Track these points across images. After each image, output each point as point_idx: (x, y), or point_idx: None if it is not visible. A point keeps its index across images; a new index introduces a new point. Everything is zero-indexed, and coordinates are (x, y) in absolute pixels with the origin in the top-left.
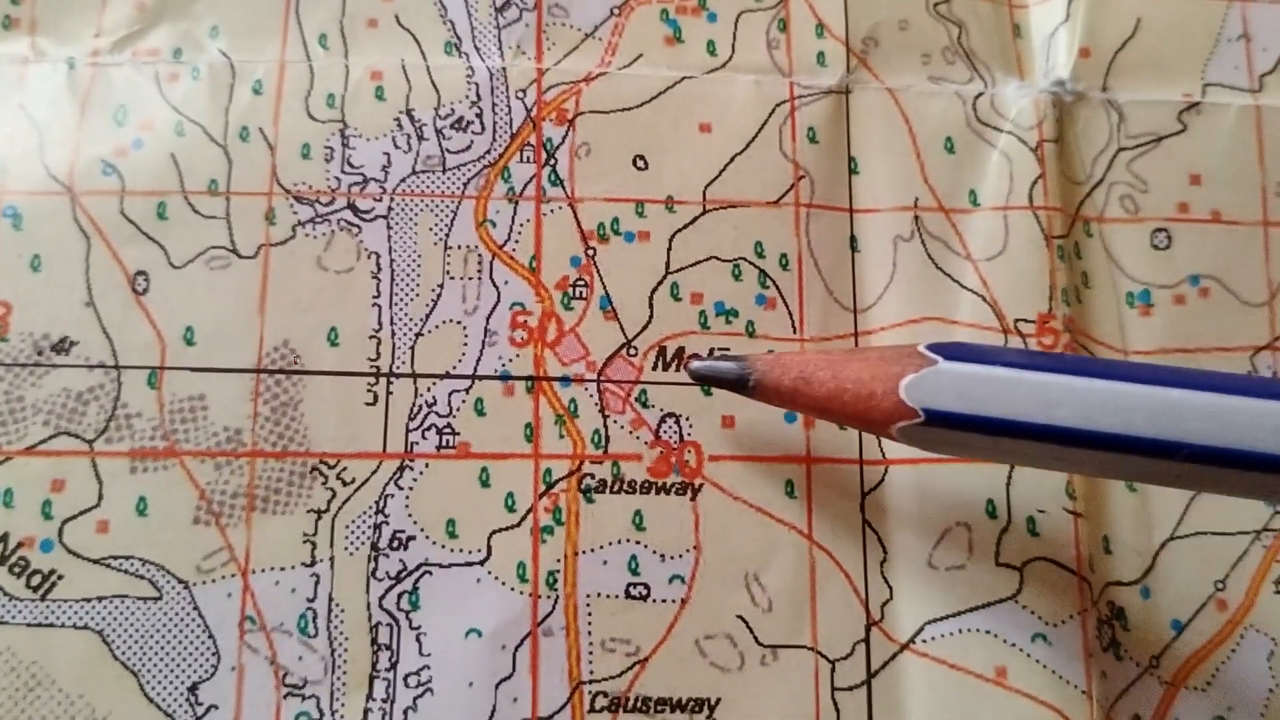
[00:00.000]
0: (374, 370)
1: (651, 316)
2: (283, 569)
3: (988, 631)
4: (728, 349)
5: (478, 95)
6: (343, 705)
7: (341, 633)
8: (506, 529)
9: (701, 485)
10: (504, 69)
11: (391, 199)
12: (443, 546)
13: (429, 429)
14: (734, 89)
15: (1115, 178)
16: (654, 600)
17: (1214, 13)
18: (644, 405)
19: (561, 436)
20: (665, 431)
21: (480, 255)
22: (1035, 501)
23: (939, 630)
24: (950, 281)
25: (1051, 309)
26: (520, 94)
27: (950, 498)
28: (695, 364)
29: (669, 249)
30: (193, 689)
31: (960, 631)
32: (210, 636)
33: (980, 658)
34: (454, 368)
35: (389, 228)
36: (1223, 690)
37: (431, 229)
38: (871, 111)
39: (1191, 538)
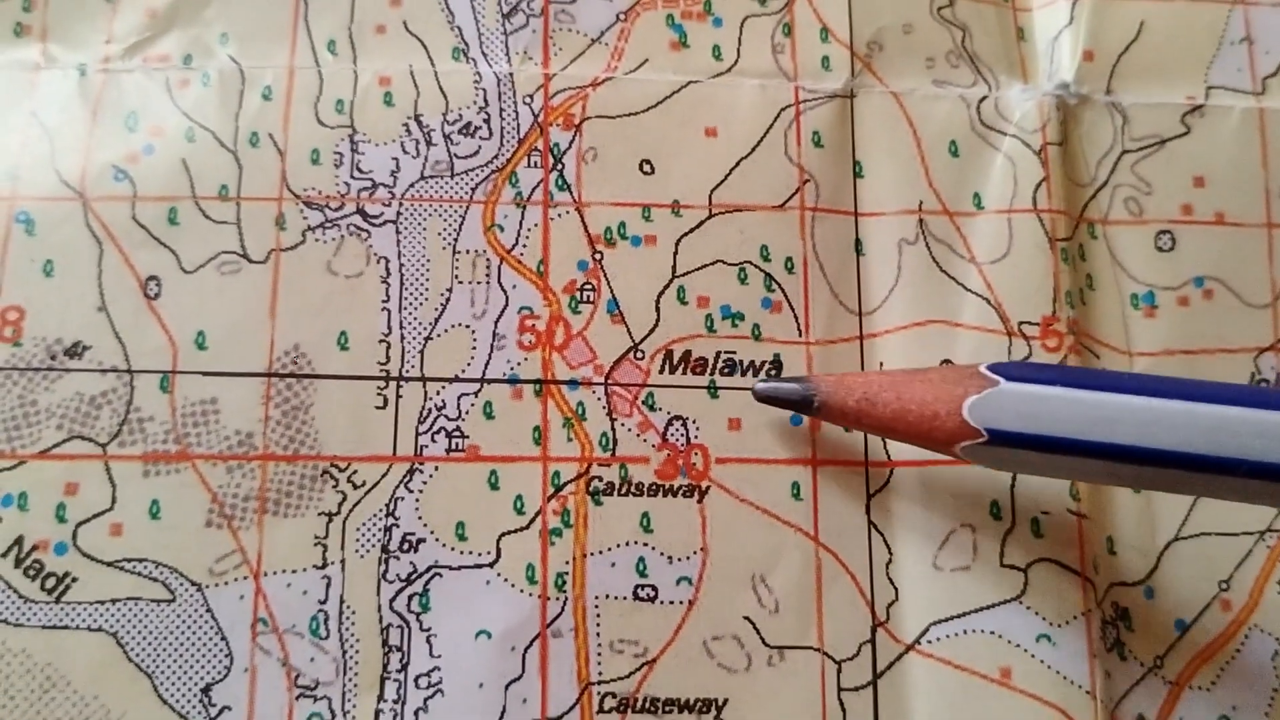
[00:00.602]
0: (384, 374)
1: (658, 320)
2: (294, 571)
3: (992, 632)
4: (734, 353)
5: (485, 101)
6: (354, 706)
7: (353, 634)
8: (515, 531)
9: (709, 487)
10: (511, 74)
11: (400, 204)
12: (452, 549)
13: (438, 432)
14: (739, 93)
15: (1119, 180)
16: (662, 602)
17: (1217, 16)
18: (651, 408)
19: (569, 439)
20: (672, 434)
21: (488, 260)
22: (1039, 503)
23: (944, 631)
24: (955, 284)
25: (1056, 311)
26: (527, 99)
27: (955, 499)
28: (760, 385)
29: (675, 253)
30: (206, 690)
31: (965, 632)
32: (223, 638)
33: (985, 658)
34: (463, 371)
35: (398, 232)
36: (1227, 690)
37: (440, 234)
38: (876, 115)
39: (1195, 538)
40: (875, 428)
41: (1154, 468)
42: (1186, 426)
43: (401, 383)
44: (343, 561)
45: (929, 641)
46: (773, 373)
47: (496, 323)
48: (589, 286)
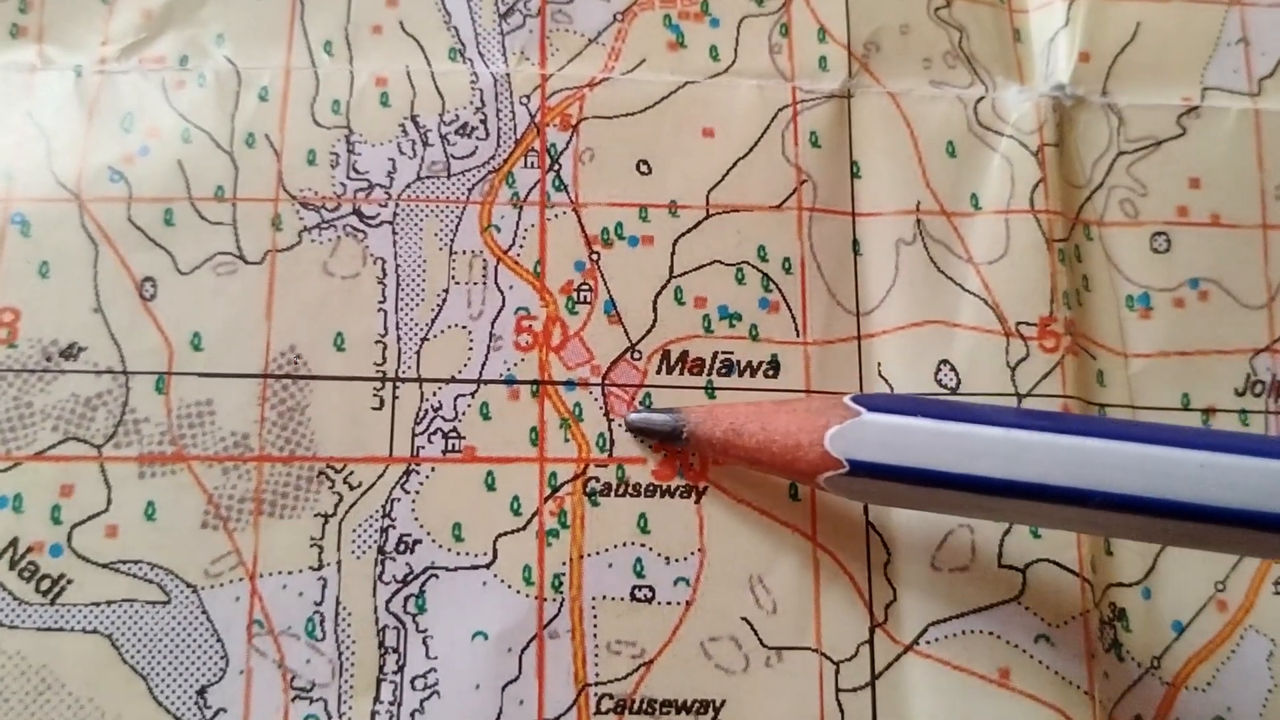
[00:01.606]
0: (380, 375)
1: (655, 320)
2: (290, 573)
3: (991, 633)
4: (731, 353)
5: (482, 101)
6: (350, 708)
7: (349, 636)
8: (512, 532)
9: (706, 488)
10: (508, 75)
11: (397, 205)
12: (449, 550)
13: (435, 433)
14: (736, 94)
15: (1115, 181)
16: (659, 603)
17: (1213, 17)
18: (649, 410)
19: (566, 440)
20: None
21: (485, 260)
22: None
23: (942, 631)
24: (952, 284)
25: (1053, 312)
26: (524, 99)
27: None
28: (632, 416)
29: (672, 253)
30: (201, 692)
31: (963, 633)
32: (219, 640)
33: (983, 659)
34: (459, 372)
35: (394, 233)
36: (1223, 691)
37: (437, 234)
38: (873, 115)
39: None
40: (742, 458)
41: (1011, 499)
42: (1044, 459)
43: (398, 384)
44: (339, 563)
45: (927, 642)
46: (770, 373)
47: (493, 323)
48: (586, 287)
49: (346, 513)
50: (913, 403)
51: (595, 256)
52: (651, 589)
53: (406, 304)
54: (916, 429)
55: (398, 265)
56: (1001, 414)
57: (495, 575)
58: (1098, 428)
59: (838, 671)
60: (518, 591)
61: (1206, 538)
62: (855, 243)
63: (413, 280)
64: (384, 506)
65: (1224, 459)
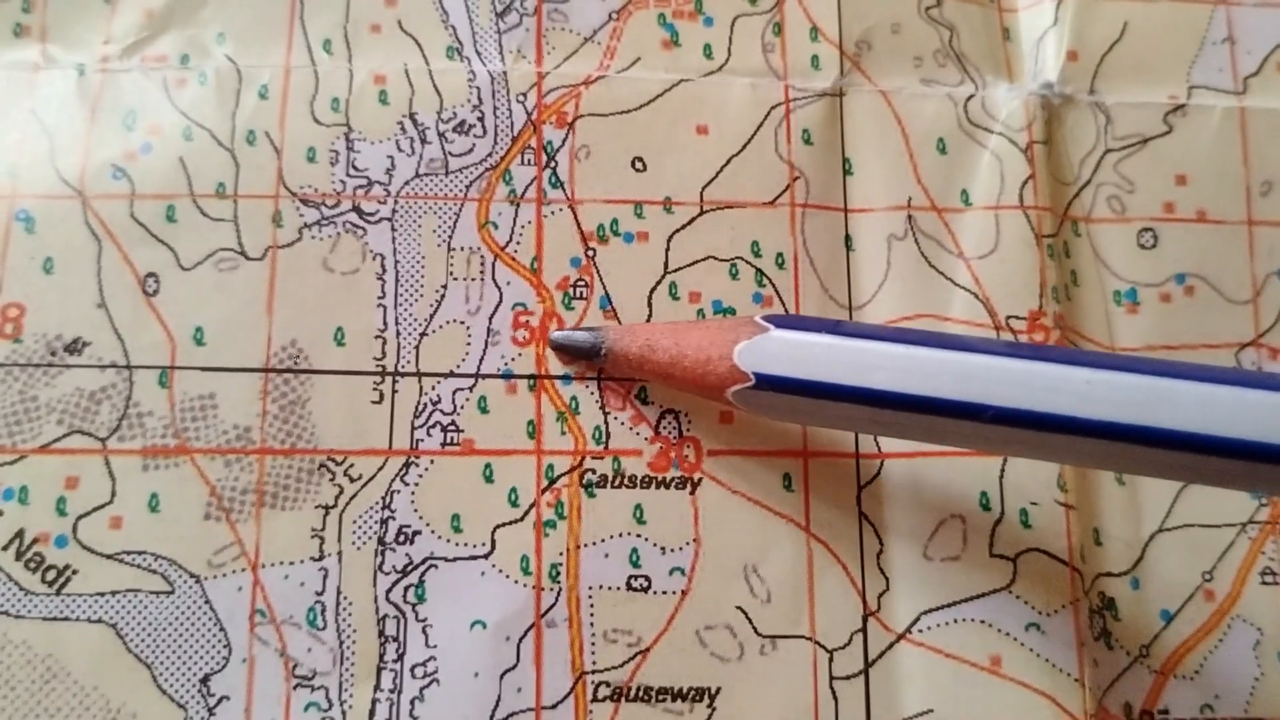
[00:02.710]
0: (380, 369)
1: (650, 315)
2: (292, 563)
3: (982, 621)
4: None
5: (479, 99)
6: (351, 696)
7: (349, 625)
8: (510, 523)
9: (701, 479)
10: (505, 73)
11: (396, 202)
12: (448, 541)
13: (434, 426)
14: (730, 92)
15: (1103, 178)
16: (655, 592)
17: (1199, 16)
18: (644, 402)
19: (563, 433)
20: (664, 427)
21: (483, 257)
22: (1028, 494)
23: (935, 620)
24: (943, 279)
25: (1042, 306)
26: (521, 97)
27: (944, 490)
28: (555, 334)
29: (667, 249)
30: (204, 680)
31: (955, 621)
32: (221, 629)
33: (975, 647)
34: (458, 367)
35: (393, 230)
36: (1210, 679)
37: (435, 231)
38: (865, 113)
39: (1179, 530)
40: (656, 374)
41: (907, 413)
42: (938, 374)
43: (397, 378)
44: (340, 553)
45: (920, 631)
46: None
47: (491, 319)
48: (582, 283)
49: (347, 504)
50: (819, 322)
51: (591, 253)
52: (647, 579)
53: (405, 299)
54: (819, 344)
55: (397, 261)
56: (903, 333)
57: (493, 565)
58: (991, 347)
59: (831, 659)
60: (516, 581)
61: (1091, 453)
62: (848, 238)
63: (412, 276)
64: (384, 498)
65: (1110, 375)
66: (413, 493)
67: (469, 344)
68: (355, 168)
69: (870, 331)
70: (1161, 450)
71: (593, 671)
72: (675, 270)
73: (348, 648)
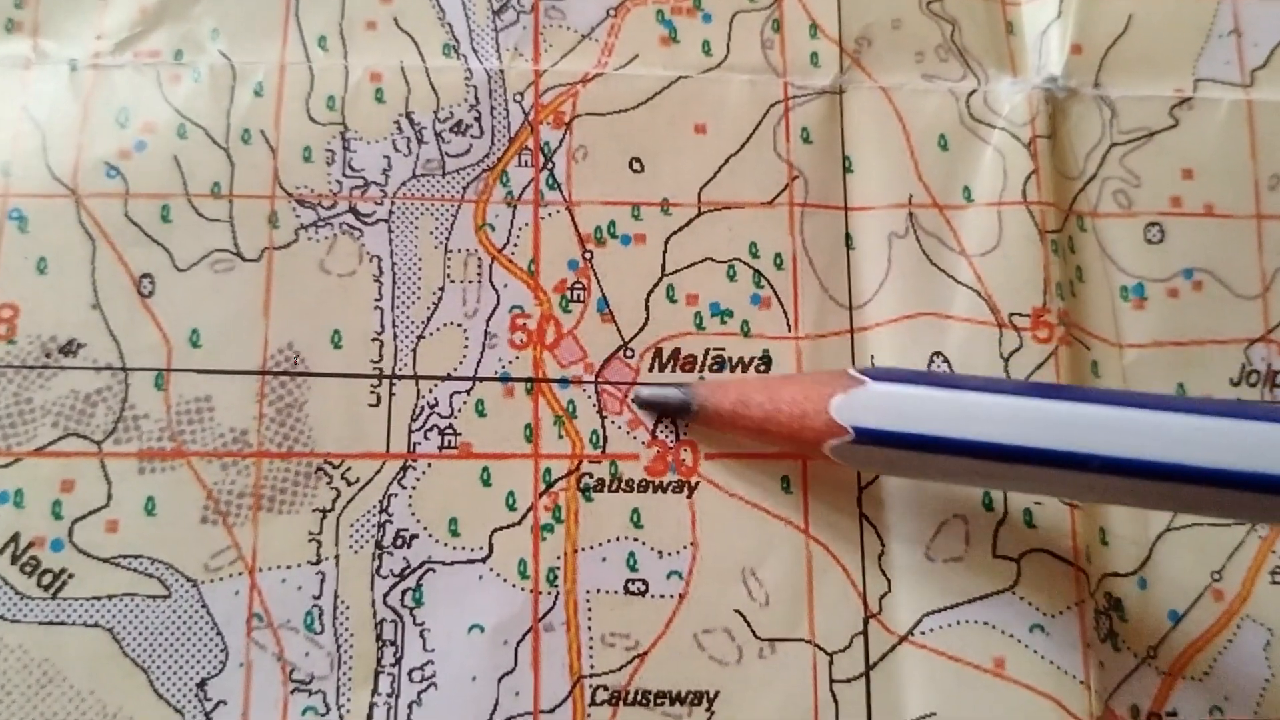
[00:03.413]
0: (377, 372)
1: (648, 318)
2: (289, 567)
3: (986, 623)
4: (723, 350)
5: (476, 98)
6: (349, 700)
7: (347, 629)
8: (507, 527)
9: (698, 483)
10: (502, 71)
11: (392, 203)
12: (445, 544)
13: (431, 429)
14: (729, 89)
15: (1108, 173)
16: (652, 595)
17: (1205, 8)
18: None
19: (560, 437)
20: (662, 431)
21: (480, 259)
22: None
23: (937, 622)
24: (945, 277)
25: (1046, 303)
26: (518, 97)
27: (947, 491)
28: (643, 391)
29: (665, 251)
30: (201, 685)
31: (958, 623)
32: (218, 633)
33: (979, 649)
34: (455, 370)
35: (390, 231)
36: (1220, 680)
37: (432, 232)
38: (865, 110)
39: (1187, 529)
40: (750, 430)
41: (1012, 464)
42: (1043, 423)
43: (394, 380)
44: (337, 557)
45: (922, 632)
46: (762, 368)
47: (488, 321)
48: (579, 285)
49: (344, 508)
50: (915, 373)
51: (588, 255)
52: (645, 582)
53: (403, 302)
54: (919, 396)
55: (394, 263)
56: (1002, 383)
57: (491, 569)
58: (1094, 395)
59: (831, 662)
60: (513, 585)
61: (1201, 501)
62: (848, 237)
63: (409, 278)
64: (381, 502)
65: (1218, 422)
66: (410, 496)
67: (466, 347)
68: (351, 168)
69: (967, 382)
70: (1270, 495)
71: (591, 675)
72: (673, 272)
73: (345, 652)
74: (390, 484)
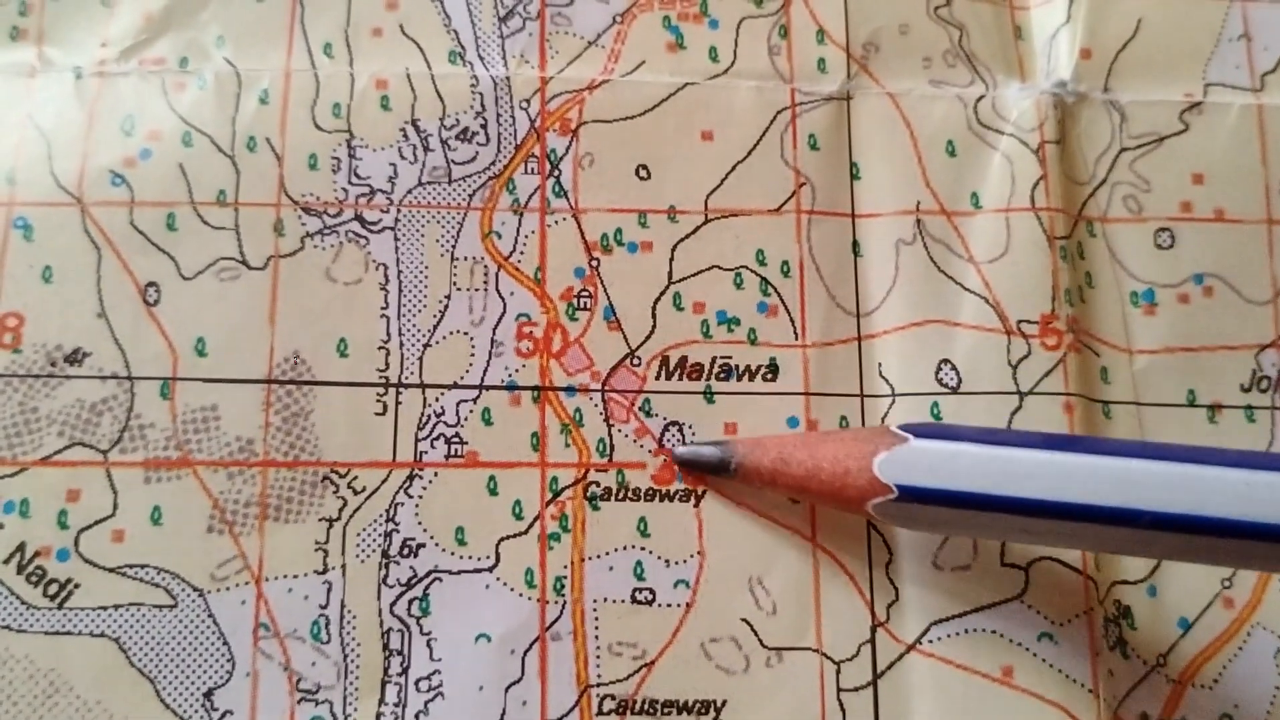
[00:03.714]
0: (383, 380)
1: (654, 326)
2: (295, 576)
3: (994, 631)
4: (730, 358)
5: (482, 105)
6: (355, 710)
7: (354, 639)
8: (514, 536)
9: (705, 492)
10: (508, 78)
11: (398, 210)
12: (452, 554)
13: (437, 438)
14: (736, 95)
15: (1118, 178)
16: (659, 605)
17: (1215, 13)
18: (647, 414)
19: (567, 445)
20: (668, 440)
21: (486, 267)
22: None
23: (945, 630)
24: (953, 284)
25: (1055, 309)
26: (524, 104)
27: None
28: (680, 450)
29: (671, 259)
30: (208, 695)
31: (966, 632)
32: (225, 643)
33: (987, 657)
34: (461, 378)
35: (396, 239)
36: (1230, 688)
37: (438, 240)
38: (873, 116)
39: None
40: (791, 487)
41: (1061, 521)
42: (1088, 479)
43: (401, 389)
44: (343, 566)
45: (930, 641)
46: (768, 377)
47: (495, 329)
48: (586, 293)
49: (351, 517)
50: (958, 429)
51: (595, 263)
52: (652, 591)
53: (409, 310)
54: (964, 454)
55: (400, 271)
56: (1046, 439)
57: (498, 578)
58: (1141, 450)
59: (839, 671)
60: (520, 594)
61: (1253, 555)
62: (855, 244)
63: (415, 286)
64: (388, 511)
65: (1267, 476)
66: (416, 505)
67: (473, 355)
68: (357, 175)
69: (1011, 438)
70: None
71: (598, 684)
72: (679, 280)
73: (352, 661)
74: (397, 493)
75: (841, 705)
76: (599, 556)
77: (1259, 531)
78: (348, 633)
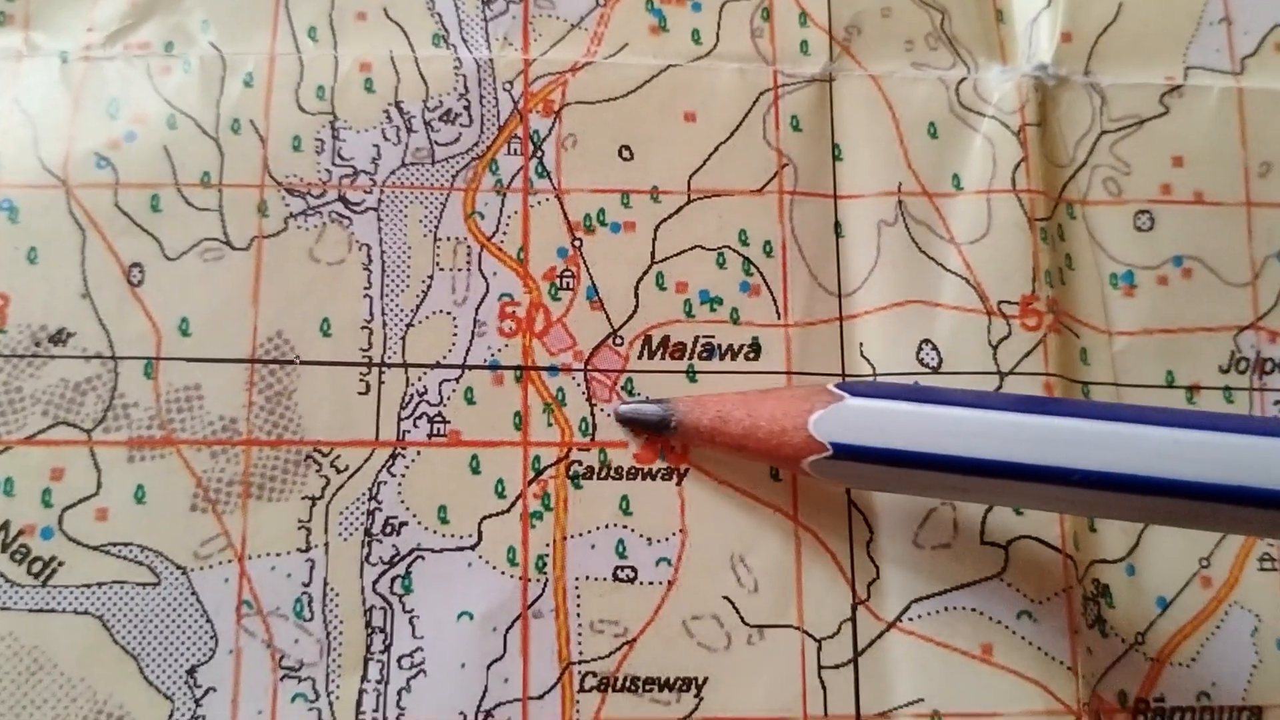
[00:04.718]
0: (366, 360)
1: (637, 306)
2: (278, 554)
3: (974, 609)
4: (712, 337)
5: (465, 87)
6: (338, 686)
7: (336, 616)
8: (497, 514)
9: (687, 470)
10: (491, 60)
11: (381, 191)
12: (434, 532)
13: (420, 417)
14: (718, 77)
15: (1098, 160)
16: (641, 582)
17: None
18: (630, 393)
19: (550, 425)
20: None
21: (469, 247)
22: None
23: (925, 608)
24: (934, 264)
25: (1035, 290)
26: (507, 86)
27: None
28: (621, 407)
29: (654, 239)
30: (191, 672)
31: (946, 609)
32: (208, 621)
33: (966, 635)
34: (444, 358)
35: (379, 220)
36: (1207, 665)
37: (421, 221)
38: (855, 99)
39: None
40: (729, 445)
41: (991, 479)
42: (1018, 437)
43: (384, 369)
44: (326, 545)
45: (910, 619)
46: (751, 356)
47: (477, 309)
48: (568, 273)
49: (334, 495)
50: (894, 388)
51: (578, 243)
52: (634, 569)
53: (392, 290)
54: (897, 412)
55: (383, 251)
56: (981, 397)
57: (480, 556)
58: (1072, 409)
59: (820, 649)
60: (502, 572)
61: (1180, 513)
62: (837, 224)
63: (398, 266)
64: (370, 489)
65: (1196, 435)
66: (399, 484)
67: (455, 335)
68: (341, 157)
69: (946, 396)
70: (1254, 509)
71: (579, 662)
72: (662, 260)
73: (335, 639)
74: (379, 472)
75: (822, 682)
76: (581, 535)
77: (1185, 490)
78: (330, 610)
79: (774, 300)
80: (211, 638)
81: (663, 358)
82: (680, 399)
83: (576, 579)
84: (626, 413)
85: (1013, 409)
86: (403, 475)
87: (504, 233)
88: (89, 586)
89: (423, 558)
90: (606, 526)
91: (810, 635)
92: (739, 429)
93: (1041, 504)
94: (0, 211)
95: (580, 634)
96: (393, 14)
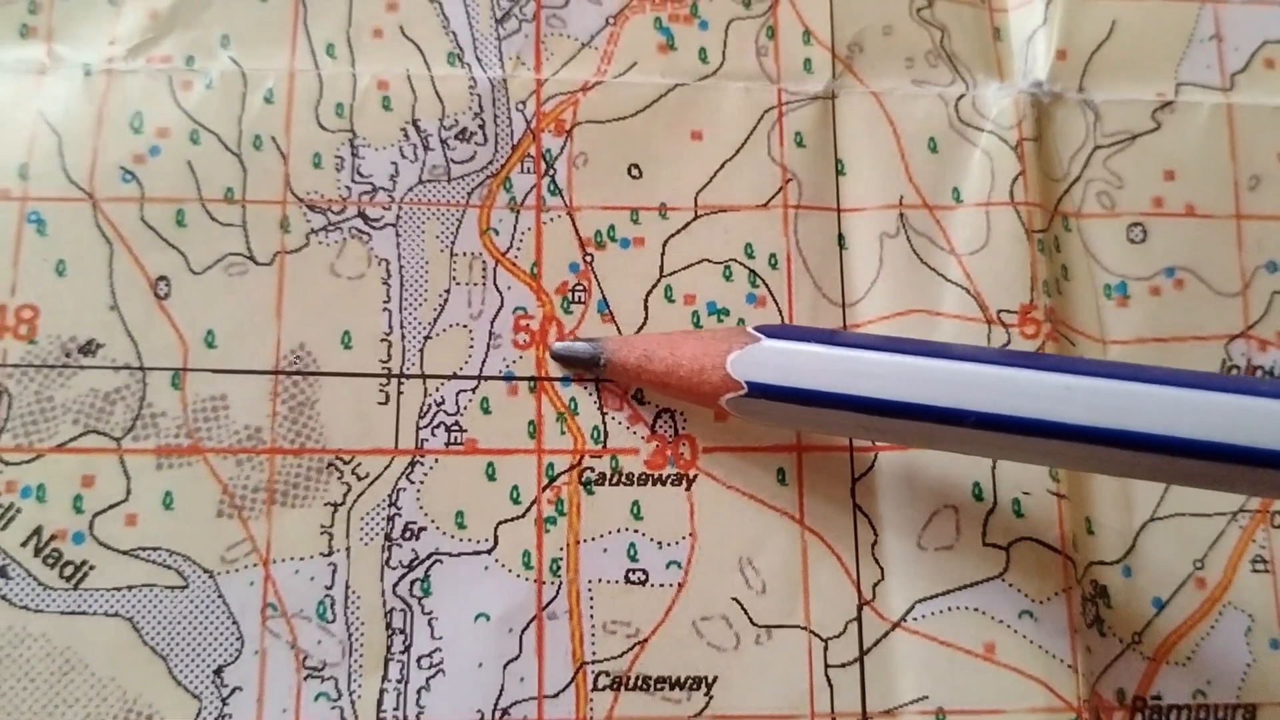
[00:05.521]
0: (386, 371)
1: (647, 318)
2: (302, 559)
3: (976, 609)
4: None
5: (480, 106)
6: (360, 686)
7: (358, 618)
8: (512, 520)
9: (696, 476)
10: (505, 80)
11: (400, 208)
12: (452, 537)
13: (438, 426)
14: (724, 96)
15: (1092, 175)
16: (652, 585)
17: (1186, 14)
18: (640, 402)
19: (563, 433)
20: (660, 426)
21: (484, 262)
22: (1020, 484)
23: (929, 608)
24: (935, 275)
25: (1033, 300)
26: (520, 105)
27: (938, 481)
28: (556, 345)
29: (663, 253)
30: (218, 672)
31: (950, 609)
32: (234, 622)
33: (969, 634)
34: (461, 369)
35: (398, 235)
36: (1203, 664)
37: (438, 237)
38: (857, 115)
39: (1171, 519)
40: (652, 383)
41: (893, 419)
42: (922, 380)
43: (402, 380)
44: (348, 549)
45: (914, 619)
46: None
47: (493, 322)
48: (580, 287)
49: (355, 502)
50: (809, 331)
51: (589, 258)
52: (645, 572)
53: (410, 304)
54: (809, 353)
55: (401, 266)
56: (891, 341)
57: (496, 560)
58: (974, 354)
59: (826, 648)
60: (518, 575)
61: (1072, 456)
62: (840, 237)
63: (416, 281)
64: (390, 496)
65: (1088, 381)
66: (418, 490)
67: (471, 347)
68: (360, 174)
69: (858, 340)
70: (1136, 452)
71: (593, 661)
72: (670, 274)
73: (356, 640)
74: (399, 479)
75: (829, 681)
76: (594, 539)
77: (1076, 433)
78: (352, 612)
79: (779, 311)
80: (237, 639)
81: None
82: (610, 338)
83: (589, 581)
84: (560, 349)
85: (915, 353)
86: (421, 482)
87: (518, 248)
88: (119, 590)
89: (441, 561)
90: (618, 531)
91: (817, 635)
92: (662, 367)
93: (943, 444)
94: (29, 224)
95: (593, 635)
96: (409, 32)
